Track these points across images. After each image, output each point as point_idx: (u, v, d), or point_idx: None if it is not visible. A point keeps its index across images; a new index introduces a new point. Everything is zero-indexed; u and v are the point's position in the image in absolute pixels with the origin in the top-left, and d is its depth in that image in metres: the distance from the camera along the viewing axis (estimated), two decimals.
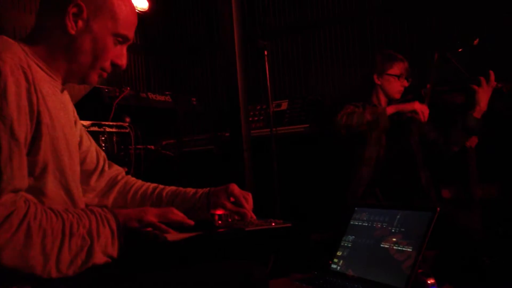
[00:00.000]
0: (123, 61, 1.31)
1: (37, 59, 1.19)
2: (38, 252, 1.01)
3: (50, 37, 1.22)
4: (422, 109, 2.53)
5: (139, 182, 1.54)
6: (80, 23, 1.21)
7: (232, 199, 1.44)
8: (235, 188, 1.45)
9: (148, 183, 1.54)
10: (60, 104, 1.24)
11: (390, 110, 2.57)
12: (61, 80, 1.27)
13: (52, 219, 1.05)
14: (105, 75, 1.31)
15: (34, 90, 1.10)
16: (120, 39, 1.28)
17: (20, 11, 3.46)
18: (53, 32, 1.22)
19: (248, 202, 1.43)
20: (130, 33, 1.30)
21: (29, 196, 1.08)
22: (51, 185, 1.15)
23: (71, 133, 1.29)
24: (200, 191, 1.49)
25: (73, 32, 1.21)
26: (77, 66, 1.25)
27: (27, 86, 1.08)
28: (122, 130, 2.86)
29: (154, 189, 1.52)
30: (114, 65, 1.30)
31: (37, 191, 1.11)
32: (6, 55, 1.07)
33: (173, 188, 1.52)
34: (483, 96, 2.56)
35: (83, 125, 2.60)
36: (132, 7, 1.30)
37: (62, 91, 1.29)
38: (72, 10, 1.20)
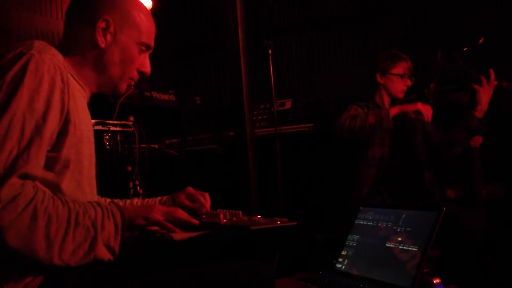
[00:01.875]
0: (147, 69, 1.38)
1: (69, 68, 1.22)
2: (42, 237, 1.01)
3: (81, 49, 1.28)
4: (425, 109, 2.49)
5: (102, 199, 1.53)
6: (108, 36, 1.28)
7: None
8: (191, 189, 1.60)
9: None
10: (87, 114, 1.30)
11: (394, 111, 2.51)
12: (89, 91, 1.32)
13: (59, 206, 1.06)
14: (133, 83, 1.38)
15: (67, 91, 1.13)
16: (144, 48, 1.35)
17: (25, 10, 3.46)
18: (83, 45, 1.28)
19: (205, 198, 1.57)
20: (152, 41, 1.37)
21: (41, 186, 1.09)
22: (69, 184, 1.16)
23: (93, 140, 1.32)
24: (165, 197, 1.62)
25: (103, 46, 1.28)
26: (107, 78, 1.32)
27: (61, 86, 1.12)
28: (126, 129, 2.86)
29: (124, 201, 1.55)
30: (140, 73, 1.37)
31: (55, 187, 1.12)
32: (46, 56, 1.11)
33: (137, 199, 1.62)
34: (484, 95, 2.53)
35: None
36: (150, 16, 1.37)
37: (87, 102, 1.33)
38: (101, 25, 1.27)
